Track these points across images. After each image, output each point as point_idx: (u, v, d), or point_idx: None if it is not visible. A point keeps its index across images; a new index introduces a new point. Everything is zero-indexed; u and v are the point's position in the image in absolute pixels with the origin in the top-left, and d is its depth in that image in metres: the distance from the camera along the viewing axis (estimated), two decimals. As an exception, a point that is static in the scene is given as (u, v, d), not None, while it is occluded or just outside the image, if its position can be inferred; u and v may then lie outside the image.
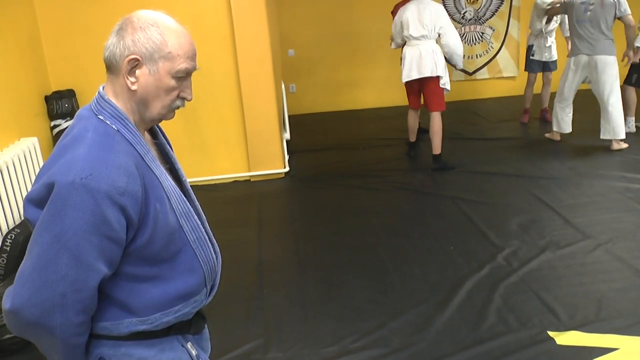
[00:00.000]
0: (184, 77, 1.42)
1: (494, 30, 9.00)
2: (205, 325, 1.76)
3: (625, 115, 6.34)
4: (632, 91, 6.40)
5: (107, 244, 1.31)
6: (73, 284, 1.30)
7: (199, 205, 1.63)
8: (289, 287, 3.67)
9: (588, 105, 7.04)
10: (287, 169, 5.84)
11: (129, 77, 1.37)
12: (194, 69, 1.44)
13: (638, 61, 6.10)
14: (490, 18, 8.96)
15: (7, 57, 4.39)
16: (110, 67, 1.39)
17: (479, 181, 5.32)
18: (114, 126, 1.37)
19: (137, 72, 1.37)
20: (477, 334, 3.01)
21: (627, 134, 6.26)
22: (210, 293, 1.62)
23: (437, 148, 5.70)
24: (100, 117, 1.38)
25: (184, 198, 1.51)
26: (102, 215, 1.27)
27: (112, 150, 1.32)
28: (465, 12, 8.87)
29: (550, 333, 2.95)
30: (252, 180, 5.76)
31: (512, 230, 4.19)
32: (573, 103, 6.19)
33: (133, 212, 1.32)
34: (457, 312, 3.22)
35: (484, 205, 4.70)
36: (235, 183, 5.72)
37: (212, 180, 5.71)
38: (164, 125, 5.35)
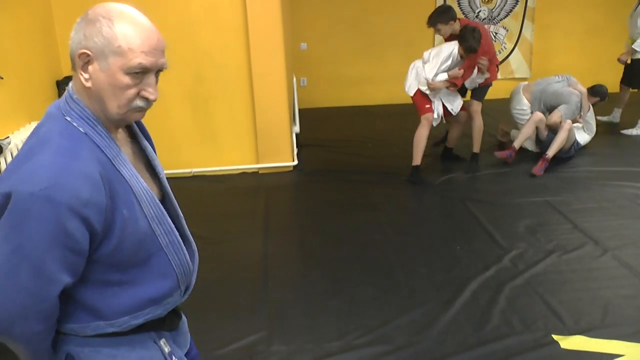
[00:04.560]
0: (140, 73, 1.31)
1: (507, 31, 8.96)
2: (184, 320, 1.74)
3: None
4: None
5: (69, 255, 1.26)
6: (34, 295, 1.27)
7: (177, 204, 1.59)
8: (294, 281, 3.67)
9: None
10: (296, 162, 5.84)
11: (82, 73, 1.30)
12: (156, 65, 1.33)
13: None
14: (504, 18, 8.92)
15: (20, 41, 4.40)
16: (72, 62, 1.32)
17: (488, 182, 5.30)
18: (81, 129, 1.30)
19: (90, 68, 1.29)
20: (480, 334, 3.00)
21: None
22: (185, 293, 1.59)
23: (414, 159, 5.45)
24: (67, 118, 1.31)
25: (157, 201, 1.44)
26: (64, 228, 1.22)
27: (77, 157, 1.26)
28: (480, 11, 8.83)
29: (555, 337, 2.93)
30: (260, 172, 5.76)
31: (520, 233, 4.17)
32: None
33: (96, 223, 1.27)
34: (462, 312, 3.21)
35: (491, 206, 4.68)
36: (243, 175, 5.72)
37: (220, 171, 5.71)
38: (171, 114, 5.33)
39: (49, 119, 1.34)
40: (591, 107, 6.14)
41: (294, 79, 7.15)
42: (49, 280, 1.26)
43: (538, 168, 5.40)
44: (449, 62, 5.22)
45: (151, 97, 1.34)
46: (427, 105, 5.36)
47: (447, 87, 5.32)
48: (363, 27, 8.64)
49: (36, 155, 1.24)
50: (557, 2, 8.89)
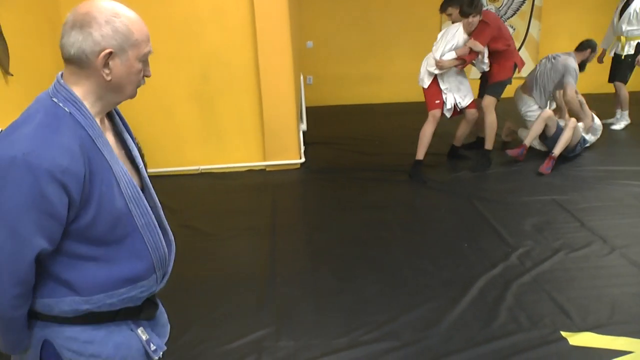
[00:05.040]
0: (147, 58, 1.50)
1: (514, 30, 8.95)
2: (163, 312, 1.79)
3: None
4: None
5: (46, 220, 1.33)
6: (9, 256, 1.34)
7: (155, 194, 1.66)
8: (301, 277, 3.67)
9: (605, 112, 7.03)
10: (303, 159, 5.85)
11: (104, 69, 1.41)
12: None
13: None
14: (511, 17, 8.91)
15: (28, 39, 4.42)
16: (78, 62, 1.41)
17: (494, 180, 5.30)
18: (66, 108, 1.40)
19: (111, 63, 1.41)
20: (488, 331, 3.00)
21: None
22: (162, 280, 1.65)
23: (417, 153, 5.51)
24: (54, 99, 1.41)
25: (134, 184, 1.52)
26: (41, 192, 1.30)
27: (57, 130, 1.35)
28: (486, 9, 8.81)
29: (563, 333, 2.93)
30: (267, 169, 5.77)
31: (527, 231, 4.17)
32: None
33: (74, 191, 1.34)
34: (469, 309, 3.21)
35: (498, 205, 4.68)
36: (250, 172, 5.74)
37: (227, 168, 5.73)
38: (178, 112, 5.36)
39: (37, 101, 1.45)
40: (594, 116, 6.10)
41: (301, 77, 7.16)
42: (25, 241, 1.33)
43: (545, 167, 5.40)
44: (455, 41, 5.26)
45: (149, 74, 1.54)
46: (437, 101, 5.37)
47: (456, 66, 5.32)
48: (369, 26, 8.64)
49: (20, 128, 1.36)
50: (564, 1, 8.88)
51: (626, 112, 7.06)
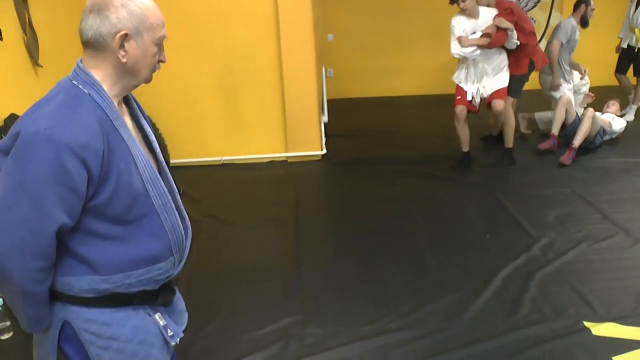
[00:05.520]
0: (161, 43, 1.56)
1: (535, 22, 8.89)
2: (180, 299, 1.83)
3: None
4: None
5: (67, 193, 1.38)
6: (32, 228, 1.38)
7: (172, 179, 1.71)
8: (326, 267, 3.73)
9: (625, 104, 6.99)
10: (324, 151, 5.89)
11: (120, 51, 1.47)
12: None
13: None
14: (532, 9, 8.86)
15: (57, 31, 4.50)
16: (95, 45, 1.48)
17: (515, 173, 5.31)
18: (85, 90, 1.46)
19: (126, 45, 1.47)
20: (511, 321, 3.04)
21: None
22: (179, 263, 1.69)
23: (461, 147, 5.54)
24: (74, 82, 1.48)
25: (152, 165, 1.58)
26: (63, 166, 1.35)
27: (78, 109, 1.42)
28: (507, 2, 8.77)
29: (586, 323, 2.96)
30: (288, 161, 5.82)
31: (549, 222, 4.19)
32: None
33: (94, 167, 1.40)
34: (493, 299, 3.25)
35: (520, 197, 4.70)
36: (272, 163, 5.79)
37: (249, 159, 5.79)
38: (201, 104, 5.42)
39: (58, 85, 1.51)
40: (612, 122, 6.07)
41: (322, 70, 7.19)
42: (47, 214, 1.38)
43: (566, 157, 5.39)
44: (473, 23, 5.10)
45: (165, 60, 1.60)
46: (458, 97, 5.34)
47: (480, 47, 5.06)
48: (389, 19, 8.63)
49: (42, 107, 1.42)
50: (585, -8, 8.80)
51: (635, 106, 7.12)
